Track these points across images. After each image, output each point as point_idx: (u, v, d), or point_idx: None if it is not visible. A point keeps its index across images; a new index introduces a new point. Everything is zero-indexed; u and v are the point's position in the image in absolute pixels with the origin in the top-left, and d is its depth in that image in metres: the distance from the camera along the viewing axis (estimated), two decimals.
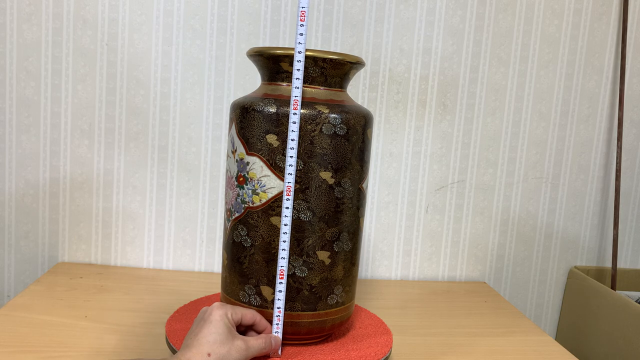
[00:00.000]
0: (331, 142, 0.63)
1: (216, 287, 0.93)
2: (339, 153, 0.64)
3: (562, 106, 1.08)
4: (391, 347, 0.68)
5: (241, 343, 0.57)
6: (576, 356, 0.78)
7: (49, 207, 0.99)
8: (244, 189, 0.65)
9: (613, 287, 1.07)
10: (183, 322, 0.69)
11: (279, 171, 0.63)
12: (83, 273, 0.96)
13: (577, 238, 1.14)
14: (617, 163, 1.09)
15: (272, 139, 0.63)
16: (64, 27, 0.95)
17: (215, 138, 1.00)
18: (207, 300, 0.78)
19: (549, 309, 1.15)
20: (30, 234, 1.00)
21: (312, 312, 0.65)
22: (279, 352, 0.63)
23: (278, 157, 0.62)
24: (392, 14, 1.01)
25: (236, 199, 0.66)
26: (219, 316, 0.57)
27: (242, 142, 0.64)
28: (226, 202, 0.68)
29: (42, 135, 0.97)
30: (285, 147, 0.62)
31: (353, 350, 0.65)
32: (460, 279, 1.11)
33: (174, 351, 0.63)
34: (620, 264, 1.16)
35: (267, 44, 0.99)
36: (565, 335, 1.12)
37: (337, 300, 0.66)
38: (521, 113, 1.07)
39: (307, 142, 0.62)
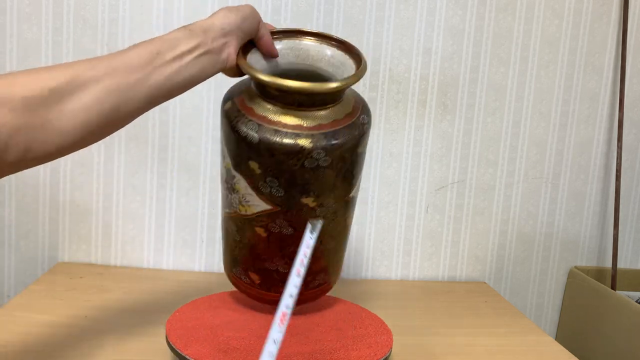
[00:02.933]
0: (314, 173, 0.60)
1: (216, 287, 0.93)
2: (322, 182, 0.61)
3: (562, 106, 1.08)
4: (391, 347, 0.68)
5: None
6: (576, 356, 0.78)
7: (49, 207, 0.99)
8: (232, 194, 0.65)
9: (613, 287, 1.07)
10: (183, 322, 0.69)
11: (261, 194, 0.62)
12: (83, 273, 0.96)
13: (577, 238, 1.14)
14: (617, 163, 1.09)
15: (254, 165, 0.61)
16: (64, 27, 0.95)
17: (215, 138, 1.00)
18: (207, 300, 0.78)
19: (549, 309, 1.15)
20: (30, 234, 1.00)
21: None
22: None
23: (260, 182, 0.61)
24: (392, 14, 1.01)
25: (227, 198, 0.67)
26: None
27: (228, 155, 0.64)
28: (221, 194, 0.69)
29: None
30: (267, 175, 0.60)
31: (353, 350, 0.65)
32: (460, 279, 1.11)
33: (174, 351, 0.63)
34: (620, 264, 1.16)
35: None
36: (565, 335, 1.12)
37: (319, 283, 0.70)
38: (521, 113, 1.07)
39: (288, 174, 0.60)
